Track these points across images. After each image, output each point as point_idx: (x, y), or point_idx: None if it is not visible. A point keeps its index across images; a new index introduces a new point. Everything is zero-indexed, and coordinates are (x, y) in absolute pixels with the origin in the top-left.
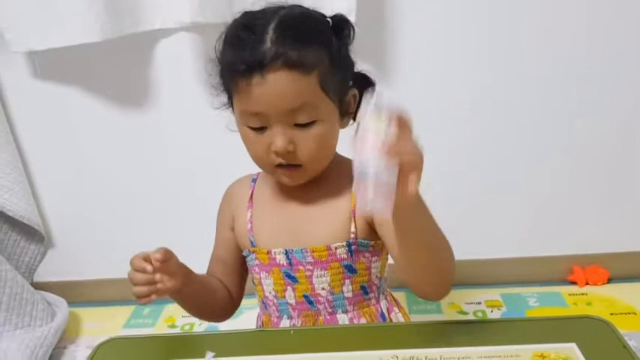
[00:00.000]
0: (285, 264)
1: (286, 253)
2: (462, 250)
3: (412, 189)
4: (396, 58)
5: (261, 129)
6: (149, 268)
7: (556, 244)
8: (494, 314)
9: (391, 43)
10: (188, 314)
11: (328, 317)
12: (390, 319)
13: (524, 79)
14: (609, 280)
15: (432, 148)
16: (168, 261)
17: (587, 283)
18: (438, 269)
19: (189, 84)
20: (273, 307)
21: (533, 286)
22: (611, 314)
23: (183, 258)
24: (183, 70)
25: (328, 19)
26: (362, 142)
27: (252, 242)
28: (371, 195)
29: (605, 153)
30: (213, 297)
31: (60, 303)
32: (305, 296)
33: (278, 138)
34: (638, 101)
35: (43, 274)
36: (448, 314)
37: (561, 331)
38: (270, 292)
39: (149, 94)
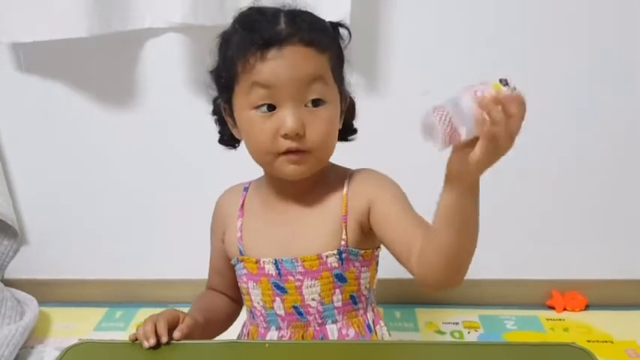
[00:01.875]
0: (274, 274)
1: (276, 263)
2: None
3: (485, 157)
4: (388, 67)
5: (269, 109)
6: (163, 339)
7: (536, 268)
8: (471, 335)
9: (384, 52)
10: None
11: (318, 328)
12: (376, 332)
13: None
14: (587, 307)
15: (411, 167)
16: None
17: (565, 309)
18: (465, 253)
19: (175, 85)
20: (261, 318)
21: (511, 308)
22: (588, 341)
23: (163, 260)
24: (170, 71)
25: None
26: (472, 86)
27: (240, 251)
28: (442, 113)
29: (587, 181)
30: (217, 322)
31: (30, 301)
32: (294, 307)
33: (288, 118)
34: (621, 129)
35: (14, 271)
36: (425, 333)
37: (541, 358)
38: (258, 303)
39: (135, 93)
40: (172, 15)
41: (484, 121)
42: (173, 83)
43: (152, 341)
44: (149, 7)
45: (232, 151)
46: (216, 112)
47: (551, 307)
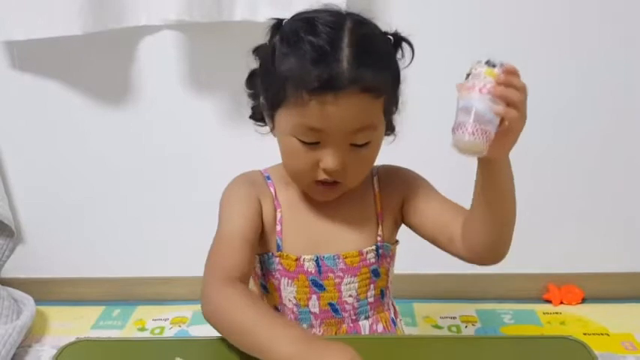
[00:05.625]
0: (313, 271)
1: (317, 260)
2: (439, 264)
3: (511, 139)
4: None
5: (313, 144)
6: None
7: (533, 262)
8: (469, 330)
9: None
10: (159, 317)
11: (351, 325)
12: (397, 326)
13: None
14: (583, 300)
15: (407, 160)
16: None
17: (561, 302)
18: (506, 225)
19: (170, 83)
20: (292, 315)
21: (508, 302)
22: (585, 334)
23: (160, 257)
24: (166, 69)
25: (389, 37)
26: (471, 85)
27: (278, 246)
28: (470, 130)
29: (583, 175)
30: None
31: (27, 300)
32: (330, 304)
33: (330, 158)
34: (615, 123)
35: (10, 270)
36: (423, 327)
37: (537, 351)
38: (290, 300)
39: (130, 91)
40: (168, 12)
41: (508, 111)
42: (169, 80)
43: None
44: (144, 4)
45: (230, 150)
46: (251, 86)
47: (548, 301)
